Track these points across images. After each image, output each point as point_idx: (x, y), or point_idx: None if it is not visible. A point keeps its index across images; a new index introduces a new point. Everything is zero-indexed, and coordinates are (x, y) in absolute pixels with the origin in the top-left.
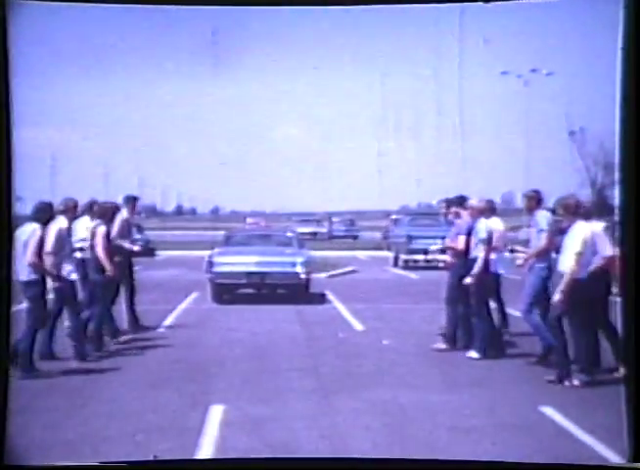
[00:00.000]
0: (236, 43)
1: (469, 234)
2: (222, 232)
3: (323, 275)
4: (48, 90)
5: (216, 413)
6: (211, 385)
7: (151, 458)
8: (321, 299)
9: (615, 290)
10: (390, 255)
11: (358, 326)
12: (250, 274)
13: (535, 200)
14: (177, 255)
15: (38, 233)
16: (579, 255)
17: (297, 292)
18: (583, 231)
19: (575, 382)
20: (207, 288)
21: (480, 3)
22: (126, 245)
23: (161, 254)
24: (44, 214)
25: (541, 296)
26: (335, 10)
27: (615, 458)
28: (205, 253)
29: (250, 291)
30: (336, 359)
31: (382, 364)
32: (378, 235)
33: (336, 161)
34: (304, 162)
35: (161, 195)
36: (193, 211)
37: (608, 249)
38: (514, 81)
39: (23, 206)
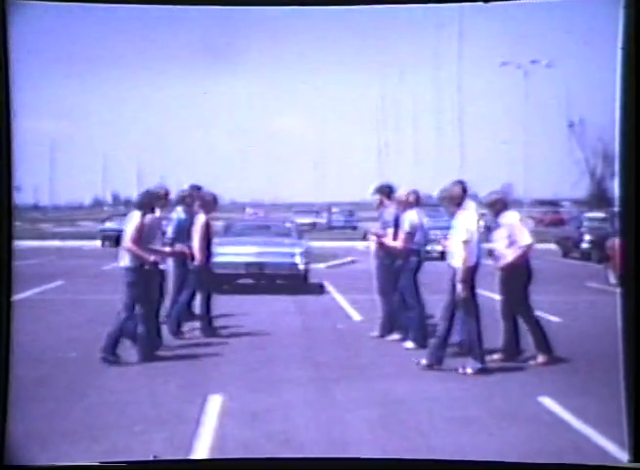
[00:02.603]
0: (236, 41)
1: (396, 225)
2: (221, 222)
3: (322, 266)
4: (48, 85)
5: (215, 403)
6: (210, 375)
7: (151, 458)
8: (320, 289)
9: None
10: None
11: (357, 317)
12: (248, 264)
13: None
14: None
15: (135, 220)
16: (466, 242)
17: (295, 282)
18: (467, 220)
19: (468, 370)
20: None
21: (480, 3)
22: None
23: None
24: (146, 202)
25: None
26: (335, 10)
27: (613, 449)
28: None
29: (248, 281)
30: (334, 350)
31: (380, 354)
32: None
33: (335, 152)
34: (304, 153)
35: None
36: None
37: (525, 238)
38: (514, 72)
39: (22, 195)
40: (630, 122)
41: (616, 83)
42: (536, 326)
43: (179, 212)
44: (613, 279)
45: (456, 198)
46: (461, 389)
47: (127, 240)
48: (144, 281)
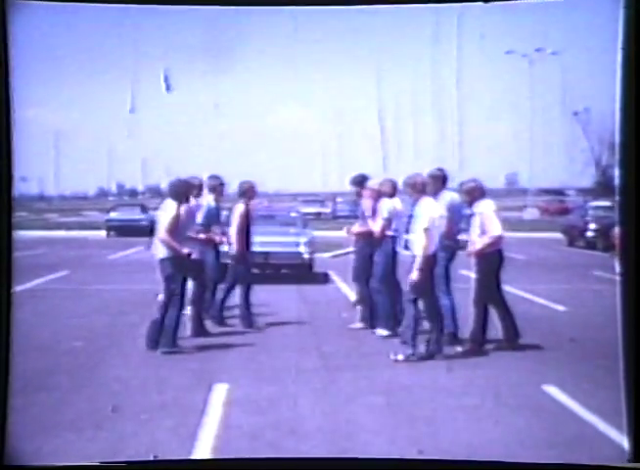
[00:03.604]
0: (239, 35)
1: (373, 215)
2: (226, 212)
3: (326, 255)
4: (50, 80)
5: (220, 392)
6: (215, 364)
7: (151, 458)
8: (324, 278)
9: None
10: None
11: None
12: (253, 254)
13: (441, 180)
14: None
15: (172, 211)
16: (427, 230)
17: (300, 272)
18: (429, 208)
19: (399, 356)
20: None
21: (480, 3)
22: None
23: None
24: (181, 192)
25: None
26: (336, 10)
27: (619, 438)
28: None
29: (253, 271)
30: (339, 339)
31: (385, 343)
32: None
33: (339, 142)
34: (308, 143)
35: (165, 175)
36: None
37: (495, 229)
38: (519, 61)
39: (29, 186)
40: (630, 123)
41: (618, 73)
42: (508, 313)
43: (209, 200)
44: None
45: (418, 186)
46: (466, 377)
47: (162, 231)
48: (181, 271)
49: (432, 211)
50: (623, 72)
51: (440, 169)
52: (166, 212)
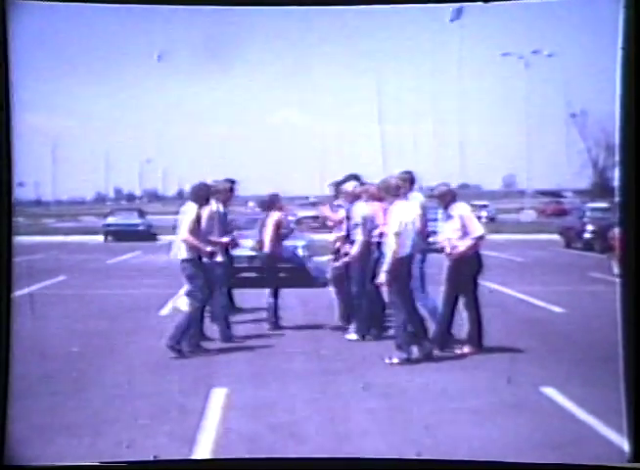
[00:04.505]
0: (236, 36)
1: (347, 218)
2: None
3: (324, 259)
4: (49, 83)
5: (219, 396)
6: (214, 368)
7: (151, 458)
8: (323, 282)
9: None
10: None
11: None
12: (251, 258)
13: (409, 182)
14: None
15: (193, 212)
16: (397, 235)
17: (298, 275)
18: (400, 211)
19: (395, 360)
20: None
21: (480, 3)
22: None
23: (163, 238)
24: (202, 195)
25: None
26: (336, 10)
27: (617, 439)
28: None
29: (251, 275)
30: (337, 342)
31: (383, 346)
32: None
33: (337, 145)
34: (306, 146)
35: (163, 179)
36: None
37: (478, 229)
38: (515, 63)
39: (25, 191)
40: (630, 123)
41: (618, 73)
42: (476, 318)
43: (219, 206)
44: (616, 269)
45: (392, 189)
46: (464, 380)
47: (184, 231)
48: (202, 273)
49: (403, 215)
50: (623, 72)
51: (408, 172)
52: (187, 215)
